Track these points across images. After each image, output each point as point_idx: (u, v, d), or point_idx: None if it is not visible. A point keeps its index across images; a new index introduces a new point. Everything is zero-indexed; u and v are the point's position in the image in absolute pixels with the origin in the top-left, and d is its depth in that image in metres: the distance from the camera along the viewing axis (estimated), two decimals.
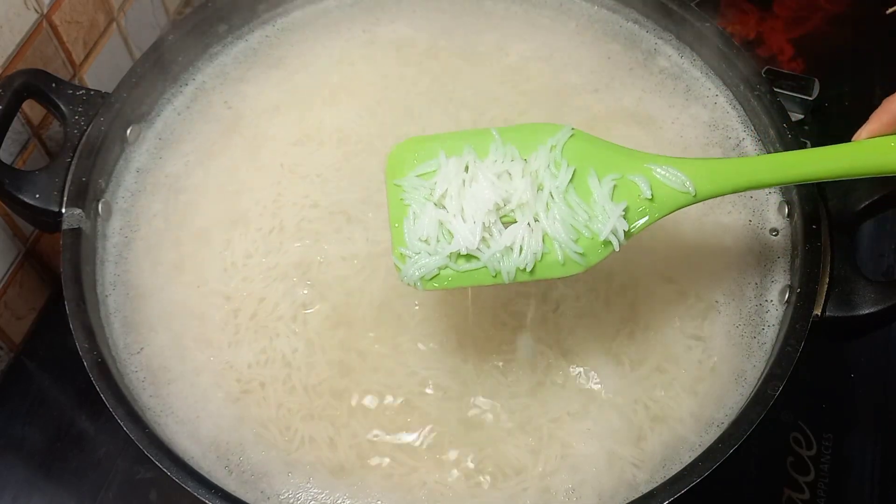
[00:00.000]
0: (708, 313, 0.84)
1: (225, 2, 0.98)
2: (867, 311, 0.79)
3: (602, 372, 0.81)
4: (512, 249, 0.69)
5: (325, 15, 1.03)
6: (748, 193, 0.90)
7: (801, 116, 1.13)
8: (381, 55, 1.00)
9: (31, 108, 0.93)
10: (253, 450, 0.79)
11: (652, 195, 0.71)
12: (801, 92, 1.12)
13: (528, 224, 0.69)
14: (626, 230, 0.70)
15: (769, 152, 0.92)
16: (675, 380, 0.81)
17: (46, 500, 0.92)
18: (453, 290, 0.72)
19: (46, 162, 0.88)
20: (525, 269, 0.69)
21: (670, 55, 1.00)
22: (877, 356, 1.00)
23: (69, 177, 0.85)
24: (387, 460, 0.78)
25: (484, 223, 0.69)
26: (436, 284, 0.69)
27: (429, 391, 0.81)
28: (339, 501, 0.77)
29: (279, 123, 0.95)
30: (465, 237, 0.69)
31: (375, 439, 0.79)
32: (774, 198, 0.90)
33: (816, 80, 1.13)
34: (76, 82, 0.99)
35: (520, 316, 0.84)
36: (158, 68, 0.95)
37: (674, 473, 0.73)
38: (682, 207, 0.72)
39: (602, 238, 0.69)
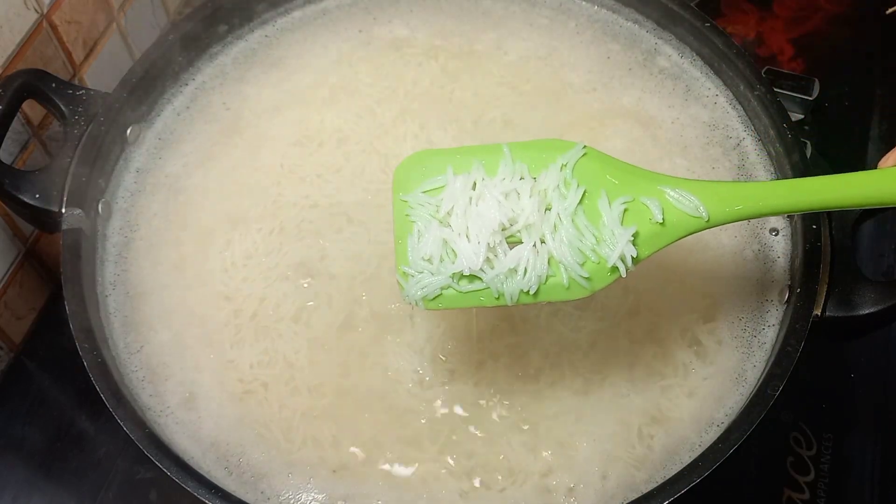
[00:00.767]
0: (708, 313, 0.84)
1: (225, 2, 0.98)
2: (867, 311, 0.79)
3: (601, 371, 0.81)
4: (516, 271, 0.68)
5: (324, 15, 1.03)
6: None
7: (801, 116, 1.13)
8: (380, 55, 1.00)
9: (31, 108, 0.93)
10: (254, 450, 0.79)
11: (664, 219, 0.69)
12: (801, 92, 1.12)
13: (534, 246, 0.68)
14: (635, 256, 0.68)
15: (769, 152, 0.92)
16: (675, 380, 0.81)
17: (46, 500, 0.92)
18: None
19: (46, 162, 0.88)
20: (528, 291, 0.68)
21: (670, 55, 1.00)
22: (877, 356, 1.00)
23: (69, 177, 0.85)
24: (388, 460, 0.78)
25: (489, 243, 0.67)
26: (439, 304, 0.68)
27: (430, 391, 0.81)
28: (339, 501, 0.77)
29: (279, 124, 0.95)
30: (469, 258, 0.67)
31: (376, 439, 0.79)
32: None
33: (816, 80, 1.13)
34: (76, 82, 0.99)
35: (520, 316, 0.84)
36: (158, 68, 0.95)
37: (674, 473, 0.73)
38: (694, 233, 0.70)
39: (609, 264, 0.68)
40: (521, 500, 0.76)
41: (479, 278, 0.68)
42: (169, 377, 0.82)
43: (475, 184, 0.70)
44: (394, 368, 0.82)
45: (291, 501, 0.77)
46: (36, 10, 0.92)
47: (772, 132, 0.90)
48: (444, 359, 0.82)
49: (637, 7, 1.01)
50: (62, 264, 0.82)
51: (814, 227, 0.82)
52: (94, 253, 0.87)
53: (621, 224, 0.69)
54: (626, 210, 0.69)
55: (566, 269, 0.68)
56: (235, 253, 0.88)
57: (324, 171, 0.92)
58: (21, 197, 0.84)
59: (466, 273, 0.67)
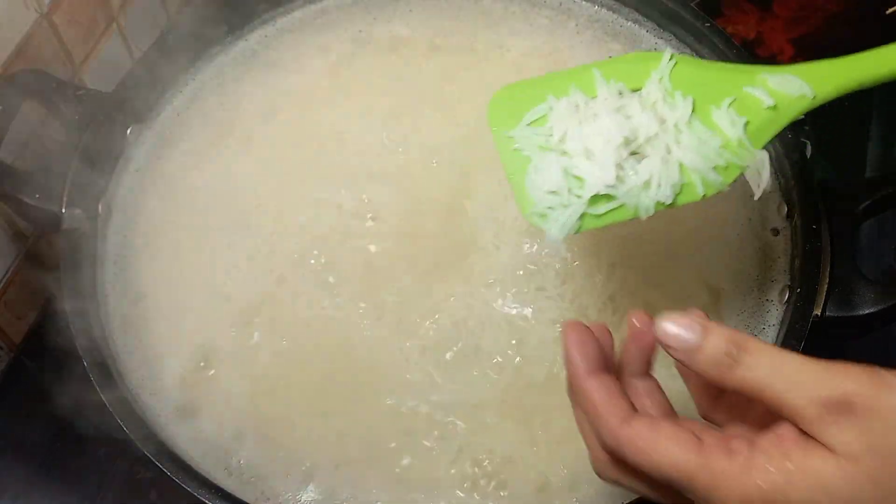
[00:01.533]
0: (707, 313, 0.84)
1: (225, 2, 0.98)
2: (867, 311, 0.79)
3: None
4: (649, 184, 0.66)
5: (324, 15, 1.03)
6: (748, 193, 0.89)
7: (801, 116, 1.13)
8: (379, 55, 1.00)
9: (31, 108, 0.93)
10: (254, 450, 0.79)
11: (774, 103, 0.69)
12: None
13: (662, 157, 0.67)
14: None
15: (768, 151, 0.91)
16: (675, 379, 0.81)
17: (46, 500, 0.92)
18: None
19: (46, 162, 0.88)
20: (663, 202, 0.67)
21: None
22: (877, 356, 0.99)
23: (69, 177, 0.85)
24: (388, 460, 0.78)
25: (614, 159, 0.66)
26: (576, 231, 0.67)
27: (431, 390, 0.81)
28: (339, 501, 0.77)
29: (278, 124, 0.95)
30: (600, 176, 0.66)
31: (377, 439, 0.79)
32: (774, 198, 0.90)
33: None
34: (76, 82, 0.99)
35: (522, 316, 0.84)
36: (158, 68, 0.95)
37: None
38: (802, 114, 0.71)
39: (734, 141, 0.68)
40: (521, 495, 0.76)
41: (613, 196, 0.66)
42: (169, 377, 0.82)
43: (577, 106, 0.69)
44: (396, 368, 0.82)
45: (291, 502, 0.77)
46: (36, 10, 0.92)
47: None
48: (447, 358, 0.82)
49: (637, 7, 1.01)
50: (62, 264, 0.82)
51: (814, 227, 0.82)
52: (93, 253, 0.87)
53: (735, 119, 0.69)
54: (733, 106, 0.69)
55: (698, 174, 0.67)
56: (236, 253, 0.88)
57: (324, 171, 0.92)
58: (21, 197, 0.84)
59: (602, 192, 0.66)
